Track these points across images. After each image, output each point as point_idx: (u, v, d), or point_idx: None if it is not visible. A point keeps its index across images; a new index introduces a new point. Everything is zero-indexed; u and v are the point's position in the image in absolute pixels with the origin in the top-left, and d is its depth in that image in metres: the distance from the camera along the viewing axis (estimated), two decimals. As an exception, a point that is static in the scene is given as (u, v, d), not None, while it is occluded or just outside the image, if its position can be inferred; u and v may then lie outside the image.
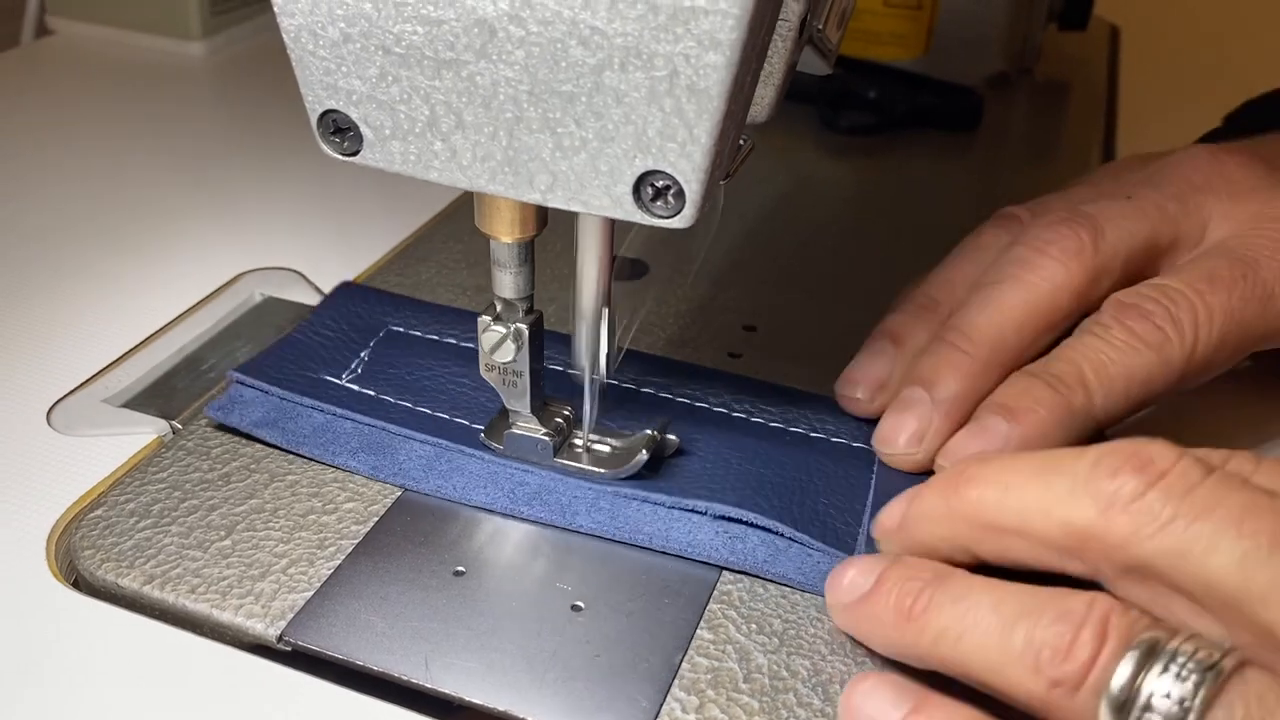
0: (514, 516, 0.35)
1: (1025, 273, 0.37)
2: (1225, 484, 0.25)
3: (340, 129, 0.29)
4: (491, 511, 0.35)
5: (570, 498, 0.35)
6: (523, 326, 0.34)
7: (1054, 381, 0.35)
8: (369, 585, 0.32)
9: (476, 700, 0.29)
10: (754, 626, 0.31)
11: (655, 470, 0.36)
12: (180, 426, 0.38)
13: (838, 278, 0.49)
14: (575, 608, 0.32)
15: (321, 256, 0.48)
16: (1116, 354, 0.35)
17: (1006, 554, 0.29)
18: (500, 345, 0.34)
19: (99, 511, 0.34)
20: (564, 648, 0.30)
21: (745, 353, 0.43)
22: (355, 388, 0.39)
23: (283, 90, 0.65)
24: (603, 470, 0.35)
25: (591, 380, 0.35)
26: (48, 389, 0.39)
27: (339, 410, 0.37)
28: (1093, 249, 0.37)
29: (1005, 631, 0.26)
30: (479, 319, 0.34)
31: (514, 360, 0.34)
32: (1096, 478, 0.26)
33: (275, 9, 0.27)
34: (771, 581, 0.33)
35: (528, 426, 0.35)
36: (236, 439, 0.37)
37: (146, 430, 0.38)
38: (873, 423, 0.38)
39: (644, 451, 0.35)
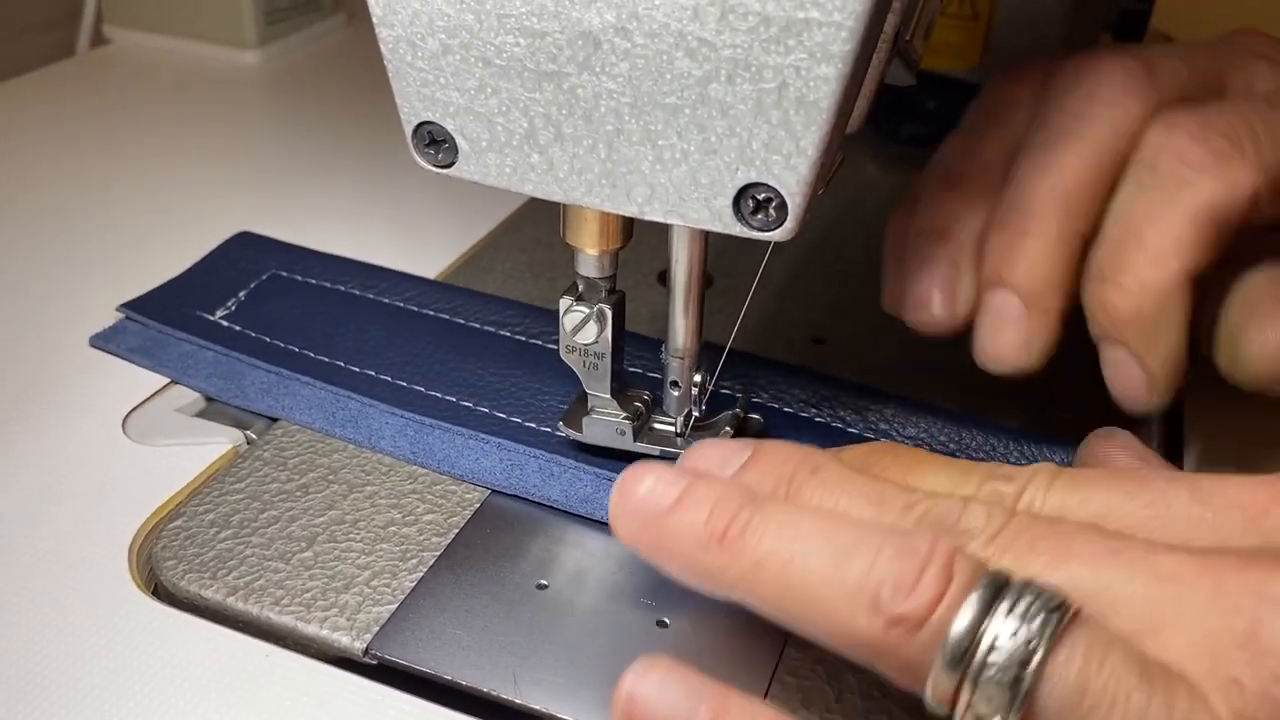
0: (595, 524, 0.34)
1: (1075, 124, 0.33)
2: (1022, 528, 0.25)
3: (435, 141, 0.28)
4: (568, 516, 0.35)
5: (381, 423, 0.38)
6: (605, 307, 0.33)
7: (1118, 277, 0.32)
8: (453, 598, 0.32)
9: (567, 717, 0.29)
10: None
11: None
12: (255, 437, 0.38)
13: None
14: (661, 624, 0.31)
15: (385, 265, 0.48)
16: (1173, 195, 0.32)
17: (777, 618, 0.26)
18: (583, 326, 0.33)
19: (179, 522, 0.34)
20: (652, 664, 0.30)
21: (818, 366, 0.43)
22: (225, 323, 0.42)
23: (338, 97, 0.65)
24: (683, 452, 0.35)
25: (688, 389, 0.35)
26: (122, 398, 0.39)
27: (201, 341, 0.41)
28: (1145, 85, 0.33)
29: (839, 562, 0.24)
30: (560, 300, 0.34)
31: (596, 342, 0.34)
32: (874, 595, 0.24)
33: (374, 20, 0.27)
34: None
35: (607, 411, 0.35)
36: (312, 449, 0.37)
37: (221, 440, 0.38)
38: (947, 417, 0.37)
39: (728, 428, 0.34)
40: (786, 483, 0.27)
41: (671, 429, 0.36)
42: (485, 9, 0.26)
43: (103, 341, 0.42)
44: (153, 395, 0.39)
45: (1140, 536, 0.25)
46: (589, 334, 0.33)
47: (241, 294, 0.44)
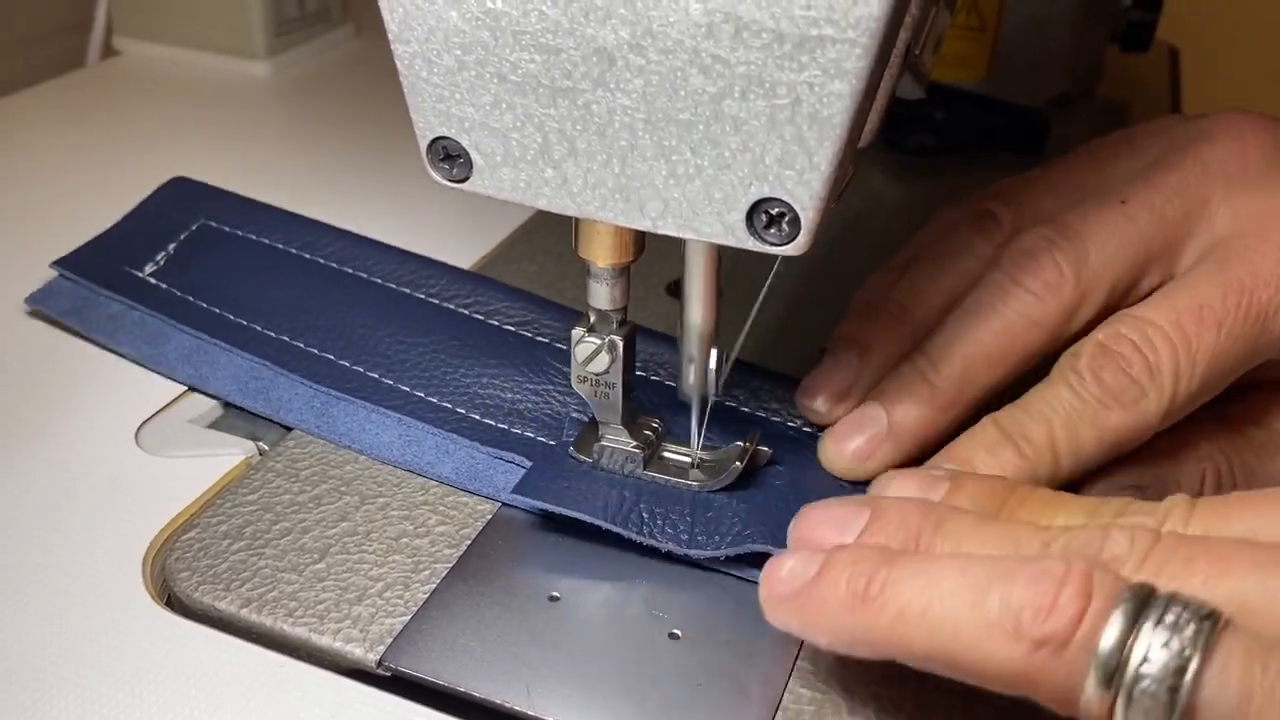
0: (606, 536, 0.34)
1: (1001, 303, 0.35)
2: (1173, 548, 0.25)
3: (450, 156, 0.29)
4: (579, 528, 0.35)
5: (290, 394, 0.38)
6: (617, 338, 0.34)
7: (1023, 445, 0.34)
8: (465, 609, 0.32)
9: (580, 729, 0.29)
10: (854, 657, 0.31)
11: (747, 482, 0.36)
12: (267, 448, 0.38)
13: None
14: (673, 636, 0.32)
15: (396, 277, 0.48)
16: (1089, 411, 0.34)
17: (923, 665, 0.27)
18: (594, 357, 0.34)
19: (192, 533, 0.34)
20: (664, 677, 0.30)
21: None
22: (152, 281, 0.43)
23: (346, 108, 0.65)
24: (696, 483, 0.35)
25: (700, 400, 0.35)
26: (135, 409, 0.39)
27: (127, 301, 0.41)
28: (1073, 281, 0.35)
29: (978, 597, 0.24)
30: (572, 331, 0.34)
31: (607, 372, 0.34)
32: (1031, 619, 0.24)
33: (390, 36, 0.27)
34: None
35: (617, 439, 0.35)
36: (325, 461, 0.37)
37: (233, 451, 0.38)
38: None
39: (738, 462, 0.35)
40: (915, 541, 0.27)
41: (682, 458, 0.36)
42: (501, 26, 0.26)
43: (37, 302, 0.42)
44: (165, 406, 0.40)
45: None
46: (600, 364, 0.34)
47: (171, 247, 0.44)
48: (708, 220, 0.27)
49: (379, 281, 0.44)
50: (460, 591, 0.32)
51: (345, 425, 0.38)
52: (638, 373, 0.39)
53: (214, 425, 0.40)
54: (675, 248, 0.32)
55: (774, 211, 0.27)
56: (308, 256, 0.45)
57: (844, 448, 0.36)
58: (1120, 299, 0.36)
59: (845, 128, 0.25)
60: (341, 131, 0.62)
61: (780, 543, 0.32)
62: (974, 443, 0.35)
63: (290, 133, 0.64)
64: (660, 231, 0.28)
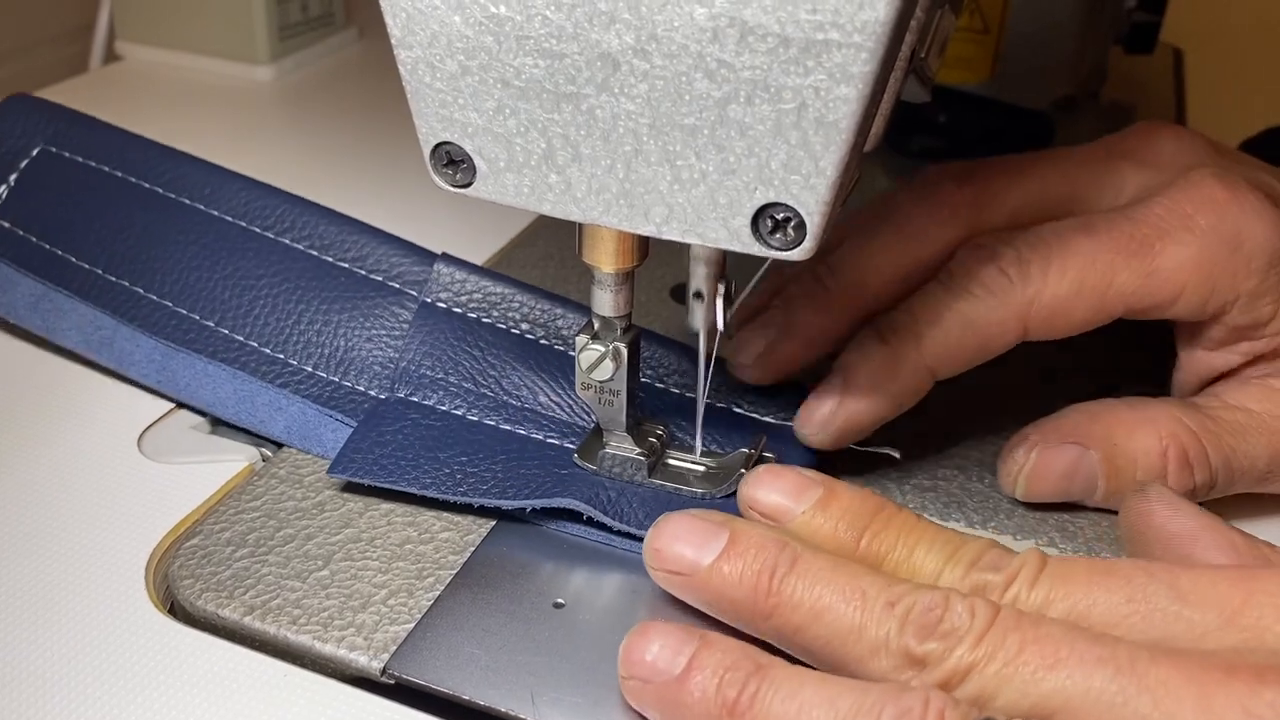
0: (610, 543, 0.34)
1: (892, 214, 0.38)
2: (1008, 628, 0.26)
3: (454, 161, 0.29)
4: (583, 535, 0.34)
5: (133, 346, 0.39)
6: (621, 345, 0.33)
7: (887, 333, 0.36)
8: (470, 617, 0.32)
9: (585, 737, 0.29)
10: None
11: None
12: (270, 454, 0.38)
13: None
14: (678, 642, 0.31)
15: (400, 282, 0.48)
16: (953, 299, 0.35)
17: (812, 660, 0.28)
18: (599, 364, 0.33)
19: (195, 540, 0.34)
20: (670, 684, 0.30)
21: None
22: None
23: (349, 112, 0.65)
24: (700, 490, 0.35)
25: (708, 333, 0.34)
26: (138, 415, 0.39)
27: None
28: (966, 211, 0.38)
29: None
30: (576, 338, 0.34)
31: (611, 379, 0.34)
32: (903, 639, 0.27)
33: (393, 42, 0.27)
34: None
35: (622, 446, 0.35)
36: (328, 467, 0.37)
37: (236, 457, 0.38)
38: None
39: (742, 470, 0.34)
40: (769, 577, 0.28)
41: (687, 465, 0.36)
42: (504, 31, 0.26)
43: None
44: (167, 413, 0.40)
45: (1121, 633, 0.26)
46: (605, 371, 0.33)
47: (12, 178, 0.43)
48: (713, 225, 0.27)
49: (217, 214, 0.42)
50: (464, 599, 0.32)
51: (185, 380, 0.38)
52: (643, 379, 0.39)
53: (216, 431, 0.39)
54: (678, 253, 0.32)
55: (779, 216, 0.27)
56: (147, 186, 0.43)
57: (748, 352, 0.38)
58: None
59: (851, 132, 0.25)
60: (344, 136, 0.62)
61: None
62: (853, 347, 0.37)
63: (293, 137, 0.64)
64: (665, 237, 0.28)
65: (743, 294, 0.34)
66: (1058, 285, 0.35)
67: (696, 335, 0.34)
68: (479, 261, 0.50)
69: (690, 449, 0.36)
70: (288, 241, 0.41)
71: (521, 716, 0.29)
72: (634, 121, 0.26)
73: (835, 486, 0.31)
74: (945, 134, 0.63)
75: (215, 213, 0.42)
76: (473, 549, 0.34)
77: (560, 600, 0.33)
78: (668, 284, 0.48)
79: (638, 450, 0.35)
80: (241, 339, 0.39)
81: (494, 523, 0.35)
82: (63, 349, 0.42)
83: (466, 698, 0.30)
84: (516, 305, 0.39)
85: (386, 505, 0.35)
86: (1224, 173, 0.36)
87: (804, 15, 0.24)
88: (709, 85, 0.25)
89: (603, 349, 0.33)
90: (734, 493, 0.35)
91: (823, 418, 0.36)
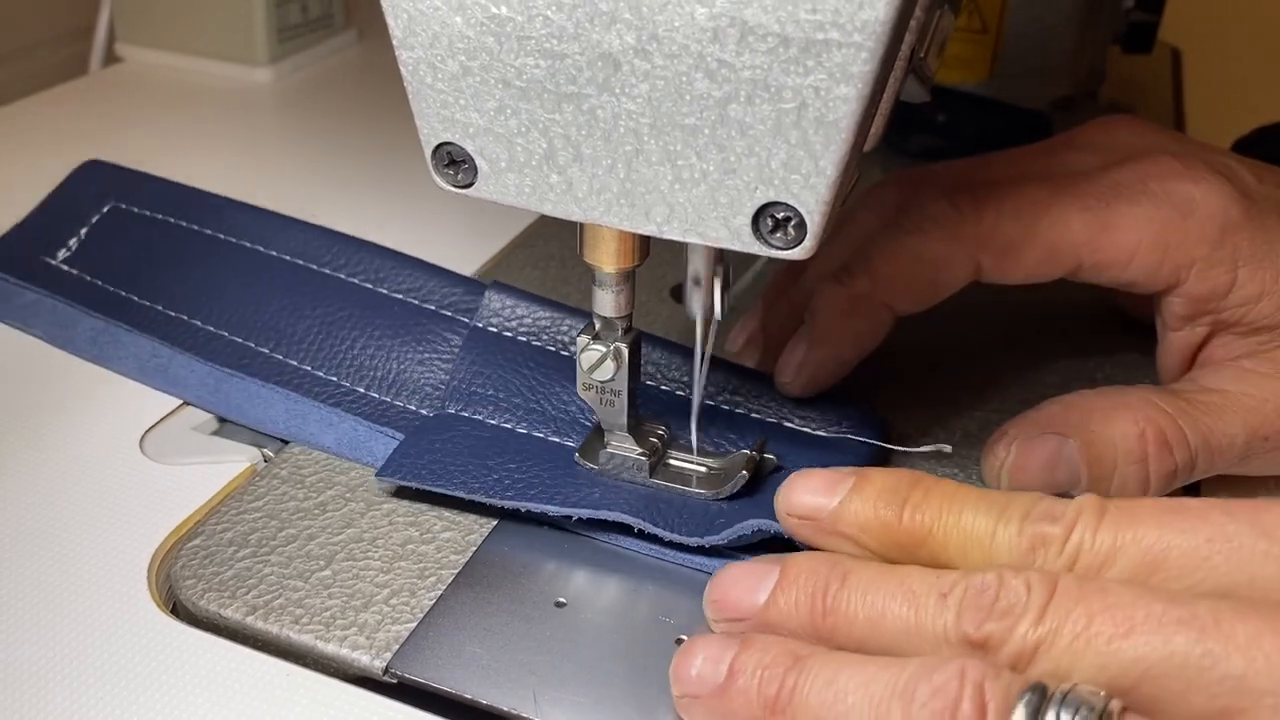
0: (611, 542, 0.34)
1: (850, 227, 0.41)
2: (1072, 600, 0.25)
3: (455, 161, 0.29)
4: (585, 534, 0.35)
5: (187, 372, 0.40)
6: (622, 345, 0.33)
7: (844, 275, 0.37)
8: (471, 616, 0.32)
9: (587, 735, 0.29)
10: None
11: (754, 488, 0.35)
12: (272, 455, 0.38)
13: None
14: (679, 641, 0.31)
15: (400, 283, 0.48)
16: (906, 236, 0.36)
17: None
18: (600, 364, 0.34)
19: (197, 541, 0.34)
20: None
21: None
22: (64, 268, 0.44)
23: (349, 114, 0.65)
24: (703, 491, 0.35)
25: (705, 319, 0.34)
26: (140, 417, 0.39)
27: (42, 290, 0.42)
28: (896, 200, 0.40)
29: (880, 714, 0.25)
30: (578, 338, 0.34)
31: (613, 379, 0.34)
32: (960, 626, 0.26)
33: (394, 43, 0.27)
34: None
35: (623, 445, 0.35)
36: (330, 467, 0.37)
37: (238, 458, 0.38)
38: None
39: (744, 472, 0.34)
40: (822, 598, 0.28)
41: (688, 465, 0.36)
42: (505, 31, 0.26)
43: None
44: (170, 414, 0.40)
45: (1202, 576, 0.25)
46: (606, 371, 0.33)
47: (82, 232, 0.45)
48: (713, 225, 0.27)
49: (275, 254, 0.44)
50: (466, 598, 0.32)
51: (237, 401, 0.39)
52: (644, 381, 0.39)
53: (218, 432, 0.40)
54: (679, 253, 0.32)
55: (780, 215, 0.27)
56: (209, 233, 0.45)
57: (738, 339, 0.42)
58: None
59: (851, 131, 0.25)
60: (344, 137, 0.62)
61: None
62: (817, 290, 0.38)
63: (293, 139, 0.64)
64: (666, 236, 0.28)
65: (742, 277, 0.34)
66: (1010, 225, 0.35)
67: (693, 324, 0.34)
68: (480, 263, 0.50)
69: (691, 450, 0.36)
70: (343, 276, 0.43)
71: (524, 715, 0.29)
72: (635, 121, 0.26)
73: (866, 472, 0.30)
74: (944, 133, 0.63)
75: (273, 253, 0.44)
76: (474, 548, 0.34)
77: (562, 599, 0.33)
78: (668, 284, 0.48)
79: (639, 450, 0.35)
80: (295, 363, 0.40)
81: (495, 522, 0.35)
82: (65, 351, 0.42)
83: (469, 697, 0.30)
84: (566, 328, 0.40)
85: (388, 505, 0.36)
86: (1180, 153, 0.37)
87: (804, 15, 0.24)
88: (709, 85, 0.25)
89: (604, 349, 0.33)
90: (734, 495, 0.35)
91: (794, 364, 0.38)
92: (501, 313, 0.40)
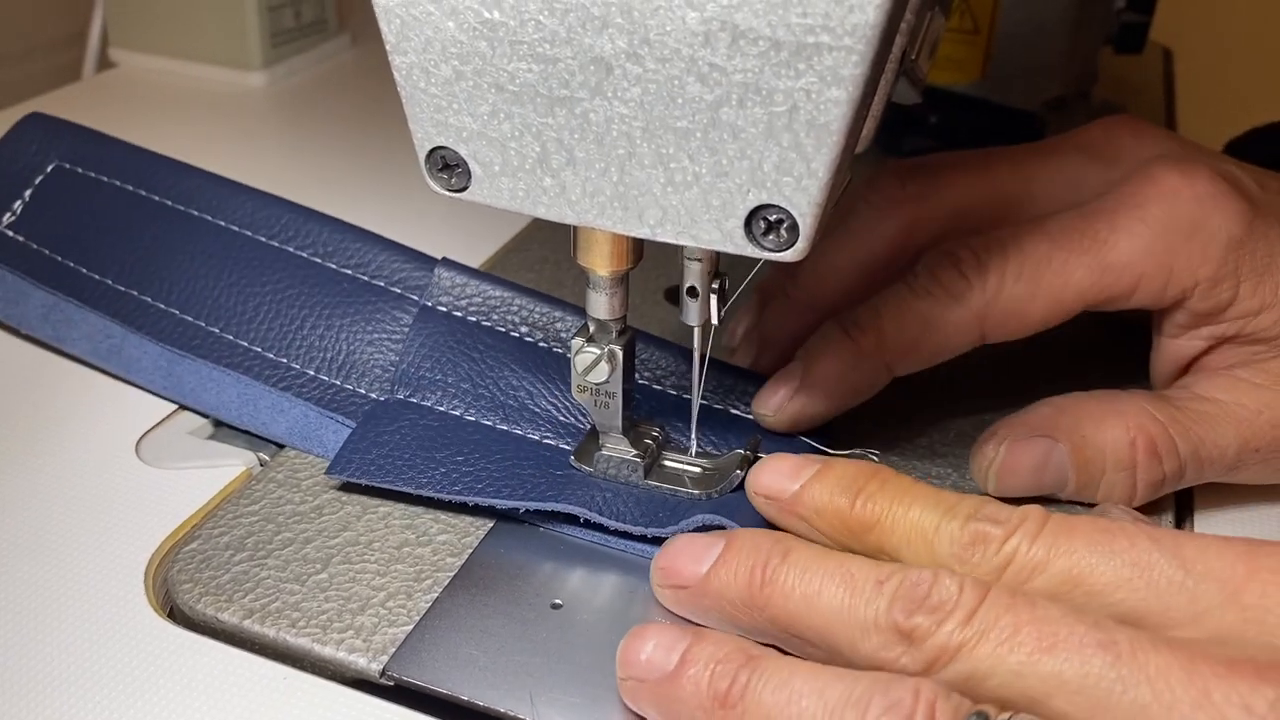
0: (608, 544, 0.34)
1: (852, 220, 0.40)
2: (1000, 608, 0.26)
3: (449, 165, 0.29)
4: (580, 536, 0.35)
5: (140, 353, 0.39)
6: (616, 348, 0.34)
7: (850, 327, 0.37)
8: (468, 618, 0.32)
9: (584, 736, 0.29)
10: None
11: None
12: (268, 459, 0.38)
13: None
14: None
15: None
16: (915, 299, 0.36)
17: (810, 653, 0.29)
18: (594, 367, 0.34)
19: (194, 545, 0.34)
20: (667, 683, 0.30)
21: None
22: (9, 234, 0.43)
23: (342, 118, 0.65)
24: (697, 490, 0.35)
25: (702, 329, 0.34)
26: (135, 422, 0.39)
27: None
28: (910, 207, 0.39)
29: None
30: (571, 341, 0.34)
31: (607, 381, 0.34)
32: (890, 614, 0.27)
33: (388, 48, 0.27)
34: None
35: (618, 448, 0.35)
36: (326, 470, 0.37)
37: (234, 462, 0.38)
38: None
39: (738, 470, 0.35)
40: (761, 570, 0.29)
41: (683, 466, 0.36)
42: (498, 36, 0.26)
43: None
44: (165, 418, 0.40)
45: (1121, 597, 0.26)
46: (600, 374, 0.34)
47: (27, 194, 0.44)
48: (706, 227, 0.27)
49: (223, 224, 0.43)
50: (463, 600, 0.33)
51: (190, 385, 0.39)
52: (639, 381, 0.39)
53: (214, 436, 0.40)
54: (672, 255, 0.32)
55: (772, 218, 0.27)
56: (156, 199, 0.44)
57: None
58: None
59: (843, 134, 0.25)
60: (337, 141, 0.63)
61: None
62: (816, 336, 0.38)
63: (287, 143, 0.64)
64: (659, 239, 0.28)
65: (737, 291, 0.34)
66: (1014, 288, 0.35)
67: (690, 330, 0.34)
68: (474, 266, 0.50)
69: (686, 450, 0.36)
70: (291, 249, 0.42)
71: (520, 717, 0.29)
72: (627, 125, 0.26)
73: (832, 462, 0.32)
74: (936, 134, 0.63)
75: (221, 223, 0.43)
76: (470, 551, 0.34)
77: (558, 601, 0.33)
78: (661, 286, 0.48)
79: (633, 452, 0.35)
80: (245, 344, 0.39)
81: (491, 525, 0.35)
82: (62, 354, 0.42)
83: (465, 698, 0.30)
84: (516, 308, 0.40)
85: (385, 509, 0.36)
86: (1183, 161, 0.36)
87: (794, 19, 0.24)
88: (701, 88, 0.25)
89: (598, 352, 0.33)
90: (730, 492, 0.35)
91: (779, 401, 0.37)
92: (451, 291, 0.40)
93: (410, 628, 0.31)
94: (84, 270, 0.42)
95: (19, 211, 0.43)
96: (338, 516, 0.35)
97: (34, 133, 0.46)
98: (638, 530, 0.33)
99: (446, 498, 0.35)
